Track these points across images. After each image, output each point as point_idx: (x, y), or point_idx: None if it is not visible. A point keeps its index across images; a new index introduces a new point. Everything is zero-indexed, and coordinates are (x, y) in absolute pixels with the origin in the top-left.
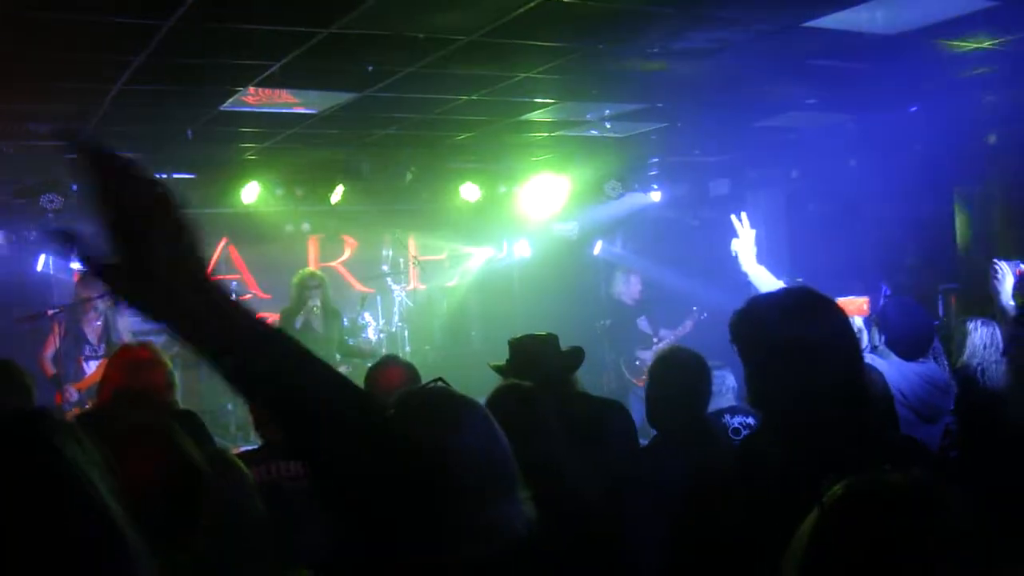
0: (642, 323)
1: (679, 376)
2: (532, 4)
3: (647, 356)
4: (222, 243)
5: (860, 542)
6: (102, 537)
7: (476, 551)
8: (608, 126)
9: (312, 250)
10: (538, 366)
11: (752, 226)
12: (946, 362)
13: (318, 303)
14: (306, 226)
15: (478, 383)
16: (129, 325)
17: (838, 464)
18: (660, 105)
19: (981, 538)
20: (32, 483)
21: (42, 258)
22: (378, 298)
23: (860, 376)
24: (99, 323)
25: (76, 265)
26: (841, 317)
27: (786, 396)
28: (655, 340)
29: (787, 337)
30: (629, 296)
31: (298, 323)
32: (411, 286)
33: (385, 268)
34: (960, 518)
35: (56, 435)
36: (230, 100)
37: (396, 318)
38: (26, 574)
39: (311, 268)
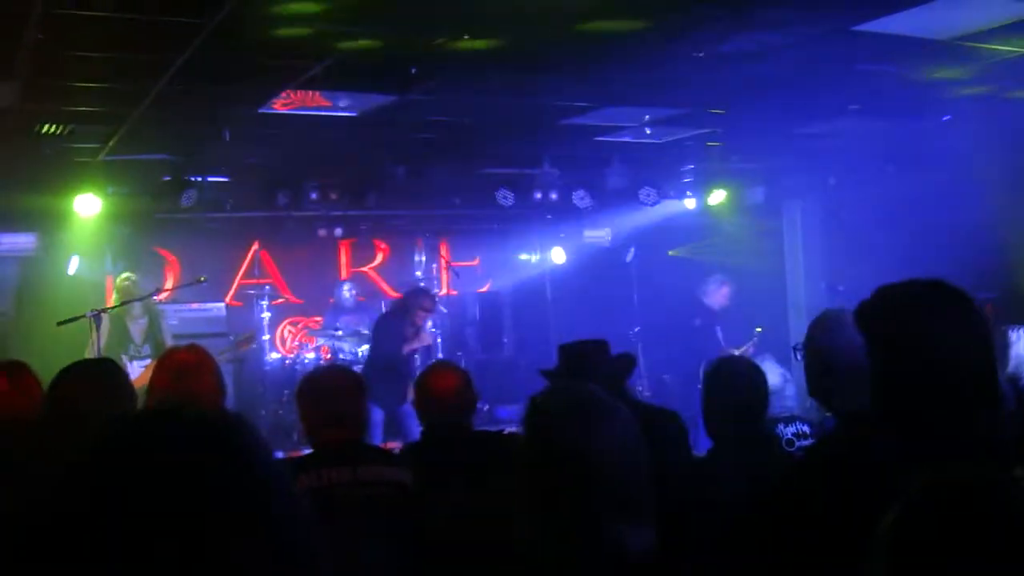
0: (719, 333)
1: (734, 386)
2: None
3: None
4: (254, 247)
5: (939, 537)
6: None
7: (580, 565)
8: (648, 131)
9: (344, 255)
10: (590, 371)
11: (788, 233)
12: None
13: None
14: (338, 230)
15: (510, 390)
16: (170, 328)
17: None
18: (700, 111)
19: None
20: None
21: (74, 260)
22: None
23: (993, 373)
24: (144, 321)
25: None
26: (979, 312)
27: (913, 394)
28: (734, 352)
29: (923, 330)
30: (715, 302)
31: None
32: (443, 292)
33: (418, 274)
34: None
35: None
36: (268, 102)
37: (429, 324)
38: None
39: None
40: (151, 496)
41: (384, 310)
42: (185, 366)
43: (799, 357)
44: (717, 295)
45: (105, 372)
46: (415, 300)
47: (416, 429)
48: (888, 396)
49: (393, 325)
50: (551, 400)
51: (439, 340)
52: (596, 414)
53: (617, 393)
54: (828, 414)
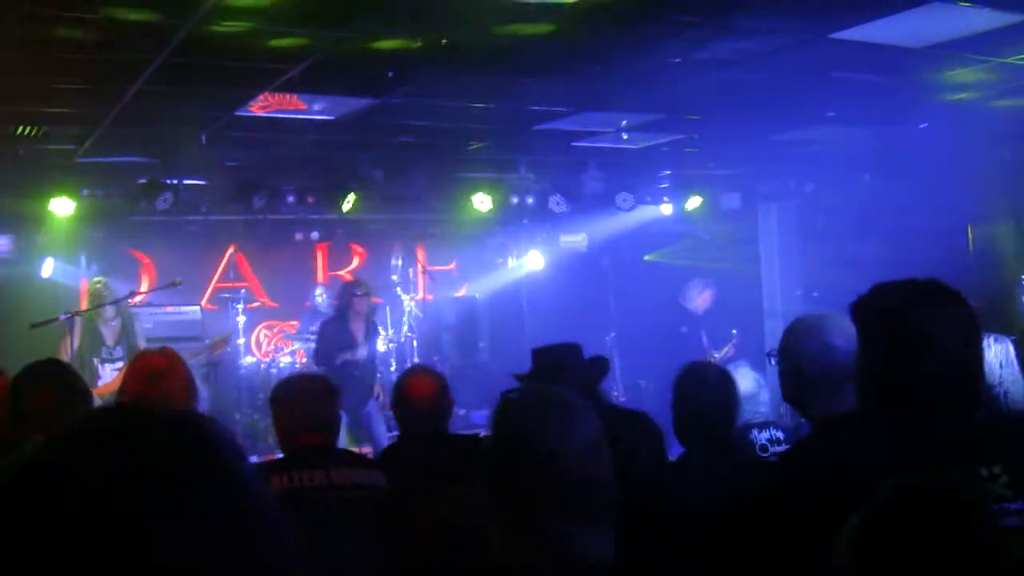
0: (704, 337)
1: (704, 391)
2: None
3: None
4: (230, 250)
5: (903, 541)
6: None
7: (545, 570)
8: (625, 136)
9: (320, 258)
10: (563, 375)
11: (764, 239)
12: None
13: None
14: (315, 234)
15: (487, 394)
16: (144, 331)
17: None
18: (676, 116)
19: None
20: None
21: (48, 262)
22: (387, 308)
23: (981, 373)
24: (116, 323)
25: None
26: (972, 314)
27: (905, 390)
28: (716, 355)
29: (919, 327)
30: (697, 306)
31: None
32: (420, 296)
33: (394, 278)
34: (995, 526)
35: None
36: (245, 105)
37: (405, 328)
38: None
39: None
40: (111, 490)
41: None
42: (156, 369)
43: (773, 363)
44: (699, 299)
45: (56, 373)
46: (347, 293)
47: (380, 429)
48: (876, 391)
49: (333, 328)
50: (518, 401)
51: (415, 344)
52: (562, 416)
53: (590, 397)
54: (803, 420)
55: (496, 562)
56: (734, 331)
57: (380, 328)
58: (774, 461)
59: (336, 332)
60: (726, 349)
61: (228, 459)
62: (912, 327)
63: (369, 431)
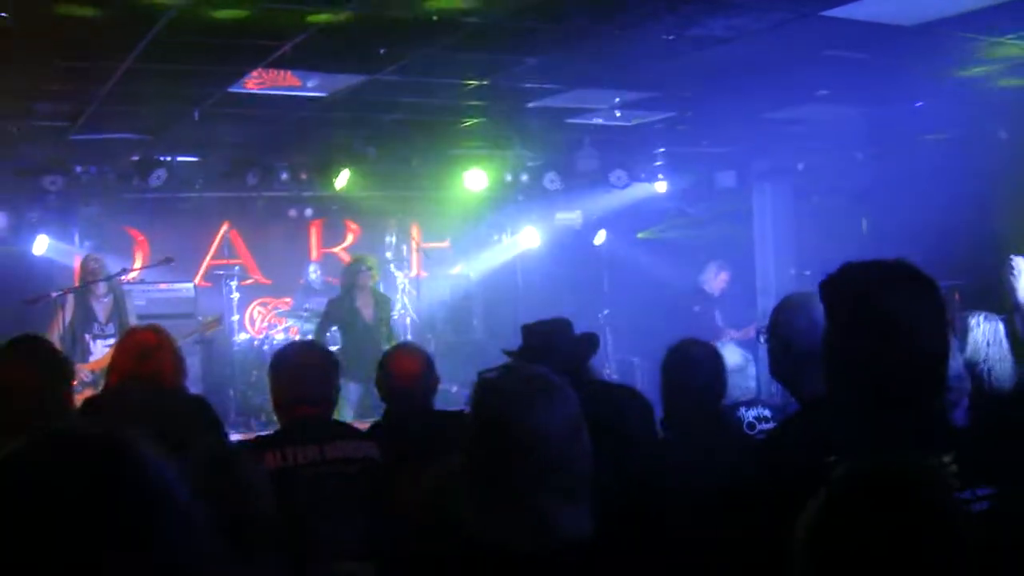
0: (718, 316)
1: (692, 369)
2: None
3: (736, 335)
4: (224, 227)
5: (860, 523)
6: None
7: (520, 546)
8: (618, 114)
9: (314, 235)
10: (553, 352)
11: (758, 218)
12: (959, 355)
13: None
14: (309, 211)
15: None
16: (135, 308)
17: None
18: (669, 94)
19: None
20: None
21: (42, 239)
22: (380, 285)
23: (945, 359)
24: (108, 299)
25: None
26: (939, 294)
27: (866, 371)
28: (725, 336)
29: (884, 309)
30: (714, 288)
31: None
32: (414, 273)
33: (388, 254)
34: (954, 503)
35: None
36: (238, 81)
37: (399, 305)
38: None
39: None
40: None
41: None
42: (145, 346)
43: (762, 340)
44: (716, 281)
45: (33, 349)
46: (352, 271)
47: None
48: (840, 370)
49: (336, 305)
50: (495, 381)
51: (408, 321)
52: (539, 395)
53: (579, 373)
54: (792, 398)
55: (472, 537)
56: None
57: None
58: (760, 439)
59: (340, 309)
60: (747, 330)
61: (142, 484)
62: (877, 307)
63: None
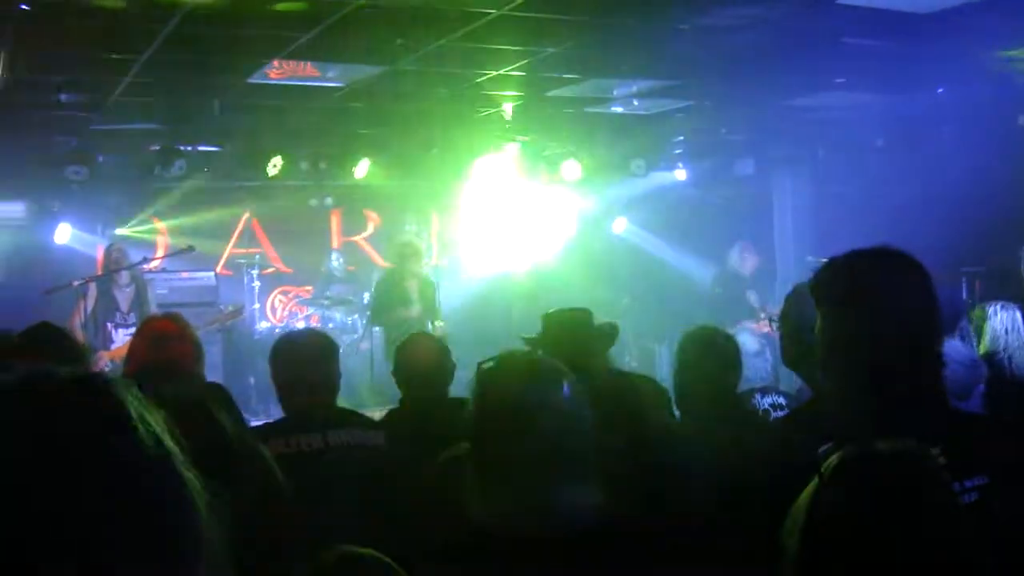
0: (752, 296)
1: (707, 354)
2: None
3: (752, 327)
4: (245, 216)
5: (852, 510)
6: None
7: (529, 528)
8: (635, 103)
9: (335, 224)
10: (571, 341)
11: (777, 205)
12: (974, 341)
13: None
14: (329, 200)
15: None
16: (157, 296)
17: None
18: (687, 82)
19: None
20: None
21: (62, 228)
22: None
23: (939, 343)
24: (130, 289)
25: None
26: (933, 287)
27: (860, 357)
28: (762, 315)
29: (880, 294)
30: (743, 267)
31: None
32: (434, 261)
33: None
34: (947, 489)
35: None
36: (258, 72)
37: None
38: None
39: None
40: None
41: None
42: (163, 334)
43: (775, 328)
44: (744, 261)
45: (52, 337)
46: (403, 254)
47: None
48: (832, 360)
49: (387, 285)
50: (494, 367)
51: None
52: (540, 381)
53: (598, 361)
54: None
55: (478, 521)
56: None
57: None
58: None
59: (391, 288)
60: (763, 323)
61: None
62: (863, 293)
63: None
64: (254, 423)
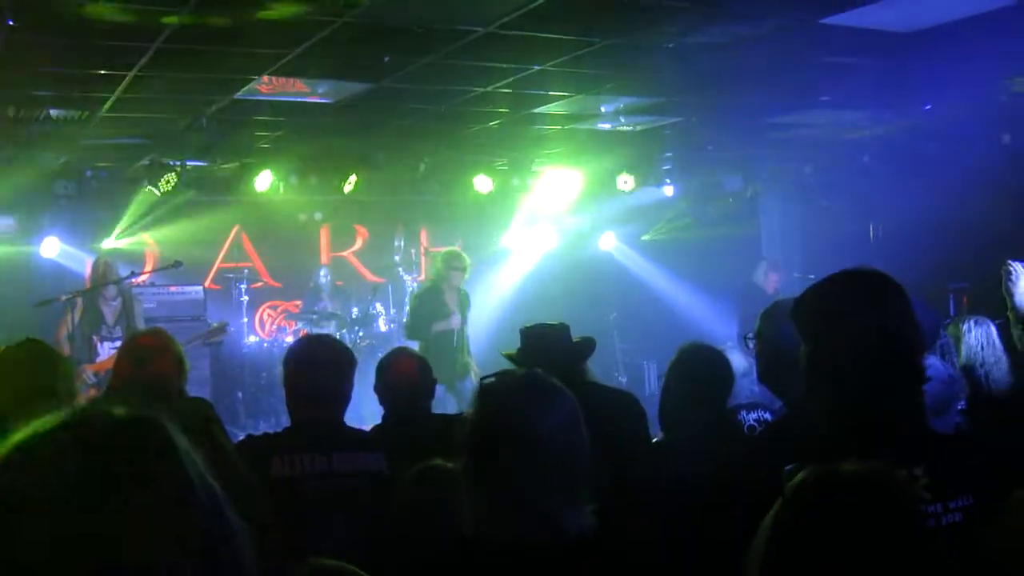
0: None
1: (696, 372)
2: None
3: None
4: (234, 231)
5: (809, 533)
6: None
7: (530, 544)
8: (622, 120)
9: (324, 239)
10: (549, 354)
11: (765, 221)
12: (955, 359)
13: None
14: (318, 215)
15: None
16: (145, 311)
17: (882, 452)
18: (675, 99)
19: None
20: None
21: (52, 242)
22: (389, 288)
23: (919, 364)
24: (116, 303)
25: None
26: (910, 305)
27: (843, 381)
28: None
29: (860, 318)
30: (765, 286)
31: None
32: (422, 277)
33: (397, 258)
34: (914, 508)
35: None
36: (245, 88)
37: (407, 308)
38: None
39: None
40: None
41: (415, 287)
42: (146, 350)
43: (751, 346)
44: (769, 280)
45: (38, 352)
46: (447, 265)
47: None
48: (813, 380)
49: (427, 297)
50: (496, 385)
51: None
52: (540, 398)
53: (574, 375)
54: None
55: (470, 537)
56: None
57: (380, 307)
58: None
59: (431, 301)
60: None
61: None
62: (849, 319)
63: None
64: (241, 437)
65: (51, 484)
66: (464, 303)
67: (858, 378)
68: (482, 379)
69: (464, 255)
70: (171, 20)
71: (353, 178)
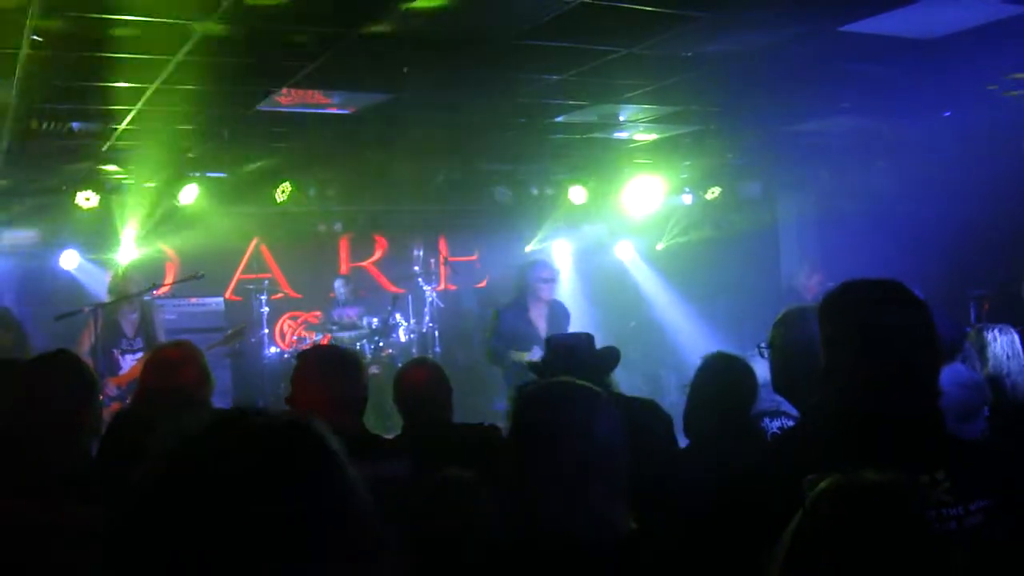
0: None
1: (720, 381)
2: (565, 8)
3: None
4: (254, 243)
5: (836, 540)
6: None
7: (563, 541)
8: (640, 129)
9: (343, 250)
10: (575, 364)
11: (785, 229)
12: (978, 364)
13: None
14: (338, 226)
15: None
16: (164, 322)
17: (903, 460)
18: (693, 108)
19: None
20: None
21: (69, 254)
22: (409, 298)
23: (936, 373)
24: (135, 316)
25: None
26: (931, 316)
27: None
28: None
29: (882, 325)
30: (806, 289)
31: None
32: (442, 286)
33: (416, 268)
34: (925, 521)
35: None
36: (266, 100)
37: (427, 319)
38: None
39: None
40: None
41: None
42: (170, 361)
43: (765, 355)
44: (808, 283)
45: (64, 364)
46: (531, 274)
47: None
48: (833, 387)
49: (509, 316)
50: (536, 393)
51: (437, 334)
52: (583, 401)
53: (600, 386)
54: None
55: (495, 540)
56: None
57: (400, 318)
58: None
59: (514, 319)
60: None
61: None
62: (871, 325)
63: None
64: None
65: (223, 481)
66: (558, 317)
67: (878, 383)
68: (519, 387)
69: (551, 263)
70: (193, 32)
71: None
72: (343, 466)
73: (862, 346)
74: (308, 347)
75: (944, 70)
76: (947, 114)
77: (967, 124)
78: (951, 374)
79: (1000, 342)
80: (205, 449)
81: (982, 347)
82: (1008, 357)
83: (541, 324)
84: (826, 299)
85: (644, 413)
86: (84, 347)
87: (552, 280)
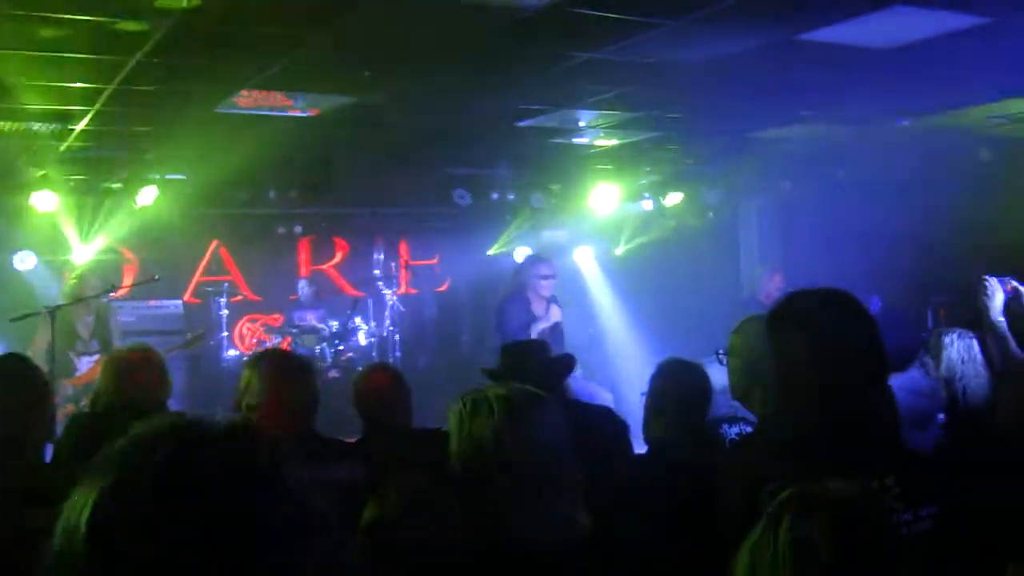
0: None
1: (676, 386)
2: (528, 13)
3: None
4: (213, 245)
5: (797, 553)
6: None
7: (525, 544)
8: (601, 134)
9: (304, 252)
10: (528, 370)
11: (745, 236)
12: (934, 372)
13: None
14: (298, 228)
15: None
16: (120, 325)
17: (855, 467)
18: (654, 114)
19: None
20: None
21: (28, 255)
22: (369, 302)
23: (884, 380)
24: (90, 319)
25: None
26: (877, 328)
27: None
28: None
29: (826, 336)
30: (767, 293)
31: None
32: (402, 290)
33: (377, 272)
34: (892, 528)
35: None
36: (225, 101)
37: (387, 322)
38: None
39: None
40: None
41: (502, 296)
42: (129, 364)
43: (723, 362)
44: (772, 285)
45: (16, 368)
46: (530, 271)
47: (592, 395)
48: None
49: (514, 308)
50: (479, 398)
51: (397, 338)
52: (532, 406)
53: (554, 392)
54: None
55: (462, 546)
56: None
57: (360, 321)
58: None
59: (519, 311)
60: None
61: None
62: (815, 337)
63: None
64: None
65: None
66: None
67: (825, 394)
68: (462, 396)
69: (550, 260)
70: (151, 34)
71: (333, 191)
72: (290, 468)
73: (807, 357)
74: (259, 351)
75: (904, 80)
76: (905, 123)
77: (926, 133)
78: (906, 381)
79: (957, 346)
80: (155, 455)
81: (939, 350)
82: (963, 361)
83: (543, 323)
84: (772, 311)
85: (598, 419)
86: (39, 348)
87: (553, 277)
